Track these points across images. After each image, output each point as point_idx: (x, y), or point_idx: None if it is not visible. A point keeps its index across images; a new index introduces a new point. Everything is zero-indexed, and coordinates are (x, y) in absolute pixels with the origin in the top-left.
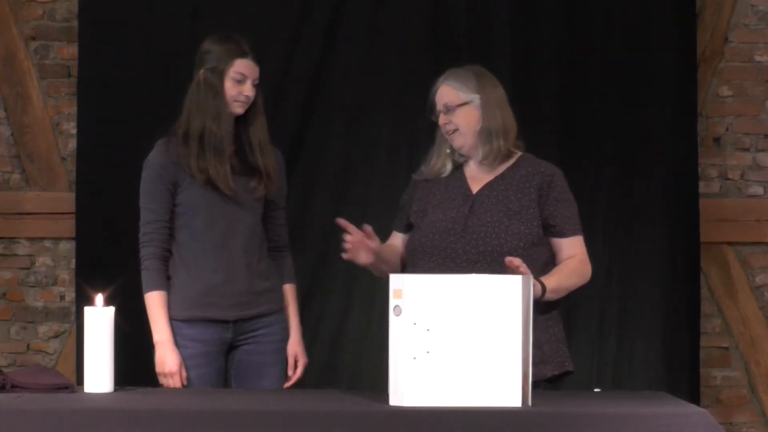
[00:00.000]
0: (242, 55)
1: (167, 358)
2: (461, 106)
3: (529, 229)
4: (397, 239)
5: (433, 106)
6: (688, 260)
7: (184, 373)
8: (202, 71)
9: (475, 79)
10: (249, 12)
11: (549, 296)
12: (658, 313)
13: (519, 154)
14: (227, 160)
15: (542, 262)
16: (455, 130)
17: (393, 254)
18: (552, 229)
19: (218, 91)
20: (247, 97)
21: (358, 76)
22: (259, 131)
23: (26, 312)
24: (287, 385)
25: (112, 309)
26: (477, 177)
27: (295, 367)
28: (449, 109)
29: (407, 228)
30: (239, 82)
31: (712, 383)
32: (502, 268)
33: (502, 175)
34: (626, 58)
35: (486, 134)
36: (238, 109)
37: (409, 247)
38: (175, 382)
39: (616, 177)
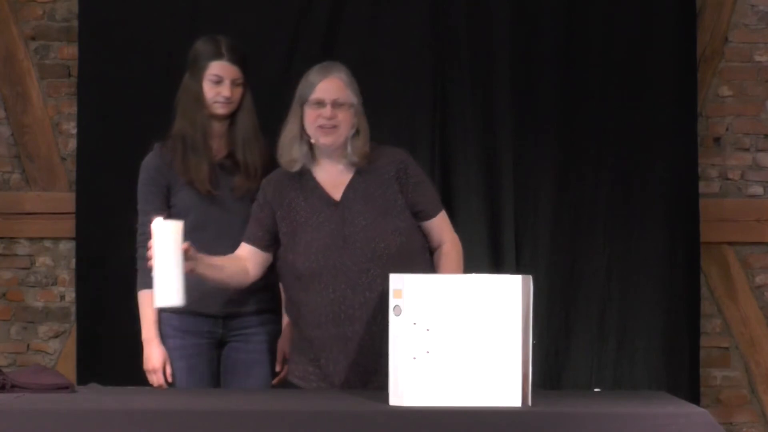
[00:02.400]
0: (217, 56)
1: (152, 355)
2: (350, 107)
3: (404, 221)
4: (247, 252)
5: (308, 94)
6: (688, 260)
7: (168, 370)
8: (186, 74)
9: (354, 80)
10: (249, 12)
11: None
12: (658, 313)
13: None
14: (206, 161)
15: (418, 248)
16: (335, 127)
17: (233, 264)
18: (420, 214)
19: (197, 93)
20: (225, 98)
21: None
22: (242, 130)
23: (26, 312)
24: (275, 381)
25: (180, 222)
26: (332, 180)
27: (284, 363)
28: (337, 105)
29: (267, 245)
30: (216, 83)
31: (712, 383)
32: (395, 269)
33: (358, 171)
34: (626, 58)
35: (362, 140)
36: (219, 110)
37: (291, 271)
38: (158, 378)
39: (616, 177)
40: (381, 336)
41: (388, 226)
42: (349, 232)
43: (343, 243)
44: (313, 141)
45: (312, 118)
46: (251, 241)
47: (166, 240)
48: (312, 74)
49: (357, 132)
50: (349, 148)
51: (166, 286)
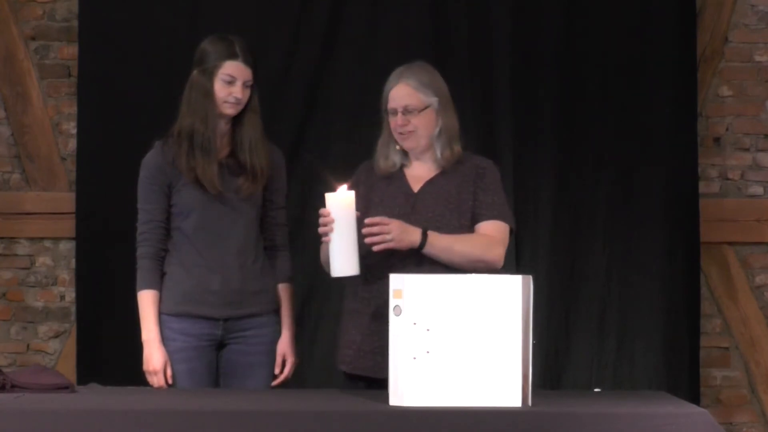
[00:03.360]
0: (232, 57)
1: (153, 356)
2: (423, 110)
3: (470, 222)
4: None
5: (386, 102)
6: (688, 260)
7: (169, 372)
8: (195, 71)
9: (432, 79)
10: (249, 12)
11: (430, 251)
12: (658, 313)
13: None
14: (215, 160)
15: None
16: (411, 132)
17: None
18: (474, 214)
19: (208, 92)
20: (236, 98)
21: (358, 76)
22: (250, 131)
23: (26, 312)
24: (274, 383)
25: (353, 192)
26: (418, 175)
27: (283, 366)
28: (409, 111)
29: None
30: (229, 83)
31: (712, 383)
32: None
33: (443, 171)
34: (626, 58)
35: (446, 138)
36: (229, 110)
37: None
38: (159, 380)
39: (616, 177)
40: None
41: (453, 222)
42: (415, 219)
43: None
44: (398, 147)
45: (393, 126)
46: None
47: (342, 211)
48: (389, 79)
49: (440, 131)
50: (437, 150)
51: (344, 256)
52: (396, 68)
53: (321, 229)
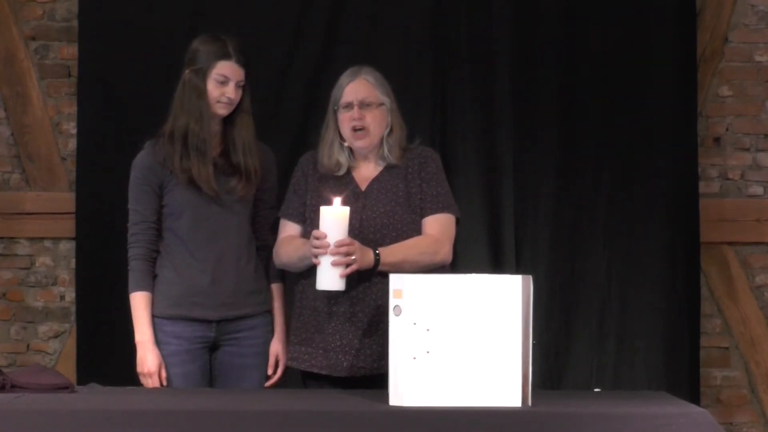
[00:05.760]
0: (225, 57)
1: (147, 358)
2: (379, 106)
3: (420, 215)
4: (296, 230)
5: (339, 98)
6: (688, 260)
7: (163, 374)
8: (187, 71)
9: (384, 81)
10: (249, 12)
11: (384, 268)
12: (658, 313)
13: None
14: (210, 161)
15: None
16: (365, 129)
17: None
18: (419, 209)
19: (201, 92)
20: (229, 98)
21: None
22: (243, 132)
23: (26, 312)
24: (267, 384)
25: (347, 208)
26: (364, 175)
27: (276, 367)
28: (364, 106)
29: (303, 219)
30: (222, 83)
31: (712, 383)
32: None
33: (388, 167)
34: (626, 58)
35: (395, 140)
36: (221, 111)
37: None
38: (153, 382)
39: (616, 177)
40: (382, 320)
41: (405, 217)
42: (367, 216)
43: (359, 225)
44: (347, 144)
45: (346, 122)
46: (295, 218)
47: (336, 225)
48: (341, 78)
49: (391, 131)
50: (385, 148)
51: (333, 270)
52: (349, 68)
53: (313, 251)
